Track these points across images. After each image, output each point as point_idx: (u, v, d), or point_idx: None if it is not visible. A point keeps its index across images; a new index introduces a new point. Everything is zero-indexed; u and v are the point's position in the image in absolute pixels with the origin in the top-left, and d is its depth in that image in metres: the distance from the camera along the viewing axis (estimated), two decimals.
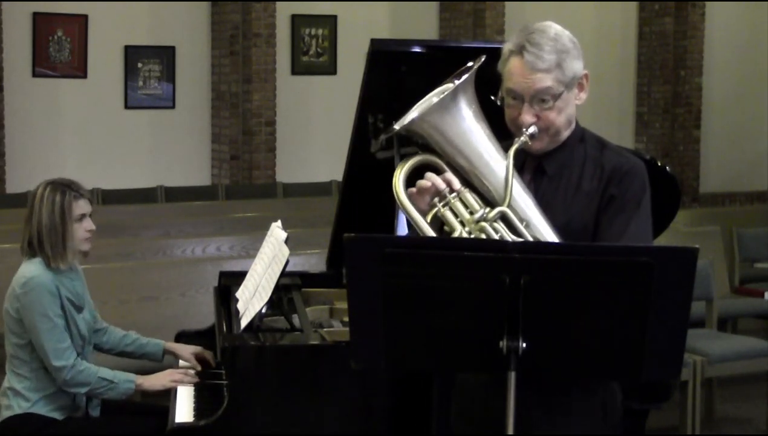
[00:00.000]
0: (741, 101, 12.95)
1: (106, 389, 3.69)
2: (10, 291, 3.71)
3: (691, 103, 12.51)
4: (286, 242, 3.60)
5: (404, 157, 2.65)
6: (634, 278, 2.26)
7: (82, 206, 3.74)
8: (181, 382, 3.66)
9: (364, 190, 3.83)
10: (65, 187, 3.73)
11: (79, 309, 3.79)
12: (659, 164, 3.93)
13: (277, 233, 3.74)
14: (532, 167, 2.69)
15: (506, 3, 11.36)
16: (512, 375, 2.34)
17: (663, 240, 3.95)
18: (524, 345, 2.32)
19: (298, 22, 10.97)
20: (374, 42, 3.55)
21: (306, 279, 4.13)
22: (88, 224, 3.77)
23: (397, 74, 3.58)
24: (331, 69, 11.15)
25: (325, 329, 3.54)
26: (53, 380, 3.69)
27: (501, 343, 2.32)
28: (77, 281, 3.83)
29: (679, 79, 12.47)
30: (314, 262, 5.36)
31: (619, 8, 12.55)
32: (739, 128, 13.00)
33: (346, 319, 3.18)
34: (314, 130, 11.00)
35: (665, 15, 12.39)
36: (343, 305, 3.79)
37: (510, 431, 2.37)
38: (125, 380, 3.71)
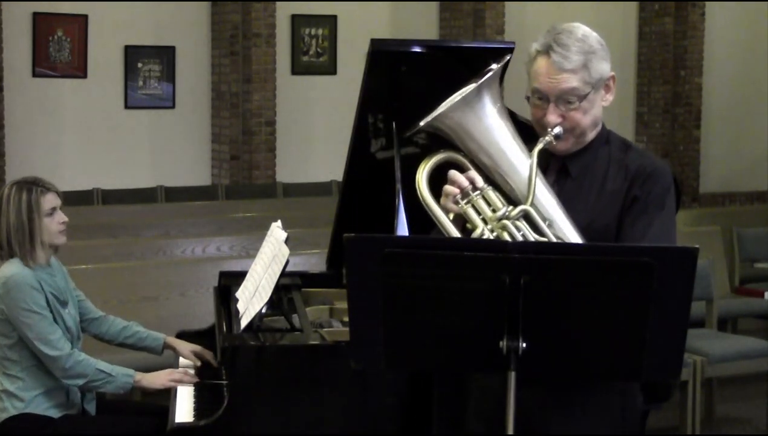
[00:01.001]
0: (741, 101, 12.95)
1: (103, 382, 3.68)
2: None
3: (691, 103, 12.51)
4: (286, 242, 3.60)
5: (430, 153, 2.64)
6: (634, 278, 2.26)
7: (50, 200, 3.74)
8: (181, 382, 3.65)
9: (364, 190, 3.83)
10: (31, 185, 3.74)
11: (64, 304, 3.79)
12: None
13: (277, 233, 3.74)
14: (556, 168, 2.69)
15: (506, 3, 11.36)
16: (512, 375, 2.35)
17: None
18: (524, 345, 2.32)
19: (298, 22, 10.97)
20: (374, 42, 3.55)
21: (306, 279, 4.13)
22: (60, 217, 3.76)
23: (397, 74, 3.58)
24: (331, 69, 11.14)
25: (325, 329, 3.54)
26: (46, 376, 3.69)
27: (501, 343, 2.32)
28: (58, 276, 3.82)
29: (679, 79, 12.47)
30: (314, 262, 5.36)
31: (619, 8, 12.56)
32: (739, 128, 13.00)
33: (346, 319, 3.18)
34: (314, 130, 11.00)
35: (665, 15, 12.39)
36: (343, 305, 3.79)
37: (510, 431, 2.37)
38: (123, 374, 3.70)
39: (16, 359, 3.70)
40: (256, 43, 10.26)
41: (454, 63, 3.41)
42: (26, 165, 9.62)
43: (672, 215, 2.67)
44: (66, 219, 3.78)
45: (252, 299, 3.57)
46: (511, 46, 3.26)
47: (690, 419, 5.36)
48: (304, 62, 11.06)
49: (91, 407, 3.83)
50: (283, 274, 3.51)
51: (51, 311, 3.69)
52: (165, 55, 10.45)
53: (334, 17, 11.12)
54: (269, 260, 3.63)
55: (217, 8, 10.56)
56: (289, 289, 3.90)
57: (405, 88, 3.55)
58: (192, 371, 3.78)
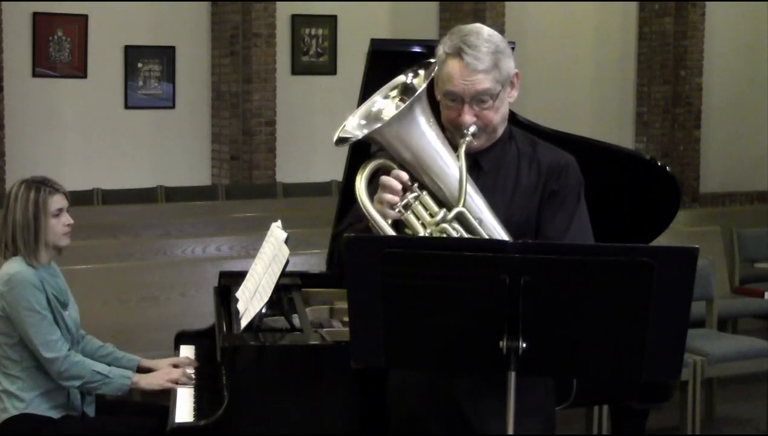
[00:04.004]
0: (741, 101, 12.95)
1: (100, 383, 3.68)
2: None
3: (691, 103, 12.51)
4: (286, 242, 3.60)
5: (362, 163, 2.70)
6: (634, 278, 2.27)
7: (58, 201, 3.74)
8: (178, 382, 3.65)
9: None
10: (39, 184, 3.74)
11: (65, 305, 3.78)
12: (659, 164, 3.92)
13: (277, 233, 3.74)
14: (468, 164, 2.73)
15: (506, 3, 11.36)
16: (512, 375, 2.35)
17: (663, 240, 3.95)
18: (524, 345, 2.32)
19: (298, 22, 10.97)
20: (374, 42, 3.55)
21: (306, 279, 4.13)
22: (66, 219, 3.76)
23: (397, 74, 3.58)
24: (331, 69, 11.15)
25: (325, 329, 3.54)
26: (46, 377, 3.69)
27: (501, 343, 2.33)
28: (59, 278, 3.83)
29: (679, 79, 12.47)
30: (314, 262, 5.36)
31: (619, 8, 12.55)
32: (739, 128, 13.00)
33: (346, 319, 3.18)
34: (314, 130, 11.00)
35: (665, 15, 12.39)
36: (343, 305, 3.79)
37: (510, 431, 2.37)
38: (121, 376, 3.70)
39: (16, 358, 3.69)
40: (256, 43, 10.26)
41: None
42: (26, 165, 9.61)
43: (585, 206, 2.79)
44: (71, 221, 3.78)
45: (252, 299, 3.57)
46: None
47: (690, 419, 5.36)
48: (304, 62, 11.06)
49: (90, 410, 3.82)
50: (283, 274, 3.50)
51: (52, 312, 3.69)
52: (165, 55, 10.45)
53: (334, 17, 11.12)
54: (269, 260, 3.63)
55: (217, 8, 10.56)
56: (289, 289, 3.90)
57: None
58: (191, 370, 3.77)
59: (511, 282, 2.28)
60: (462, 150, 2.63)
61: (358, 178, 2.65)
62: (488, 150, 2.78)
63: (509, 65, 2.72)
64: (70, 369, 3.63)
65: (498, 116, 2.73)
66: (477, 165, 2.76)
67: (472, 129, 2.68)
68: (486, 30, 2.73)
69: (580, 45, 12.17)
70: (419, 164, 2.65)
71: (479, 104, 2.69)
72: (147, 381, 3.72)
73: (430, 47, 3.59)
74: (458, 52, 2.67)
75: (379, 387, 2.97)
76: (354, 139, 2.65)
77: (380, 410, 3.00)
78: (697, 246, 2.28)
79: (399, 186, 2.61)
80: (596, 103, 12.39)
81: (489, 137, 2.75)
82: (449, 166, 2.64)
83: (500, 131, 2.78)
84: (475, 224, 2.60)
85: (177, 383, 3.64)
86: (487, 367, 2.43)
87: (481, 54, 2.66)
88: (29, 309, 3.62)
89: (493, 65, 2.67)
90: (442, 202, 2.63)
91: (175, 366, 3.83)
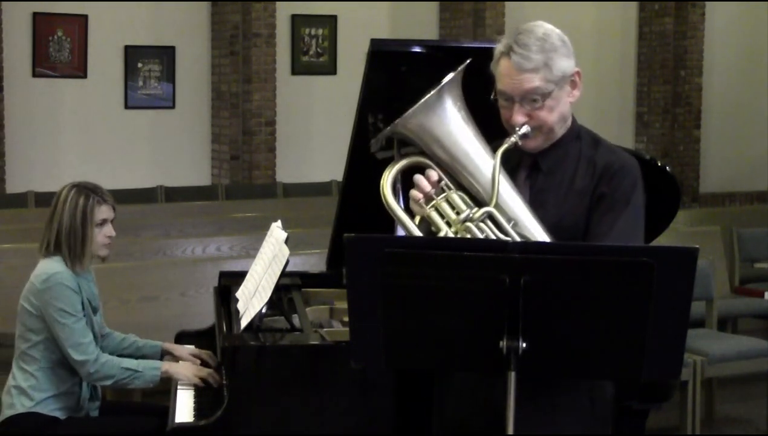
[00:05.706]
0: (741, 101, 12.95)
1: (131, 379, 3.68)
2: (29, 287, 3.72)
3: (691, 103, 12.51)
4: (286, 242, 3.60)
5: (391, 161, 2.68)
6: (634, 278, 2.26)
7: (104, 212, 3.75)
8: (206, 381, 3.63)
9: (364, 190, 3.82)
10: (90, 191, 3.75)
11: (95, 311, 3.81)
12: (659, 164, 3.92)
13: (277, 233, 3.74)
14: (528, 164, 2.72)
15: (506, 3, 11.36)
16: (512, 375, 2.35)
17: (663, 240, 3.95)
18: (524, 345, 2.32)
19: (298, 22, 10.97)
20: (374, 42, 3.55)
21: (306, 279, 4.13)
22: (109, 230, 3.78)
23: (397, 74, 3.58)
24: (331, 69, 11.15)
25: (325, 329, 3.54)
26: (60, 380, 3.70)
27: (501, 343, 2.32)
28: (93, 283, 3.85)
29: (679, 79, 12.47)
30: (314, 262, 5.36)
31: (619, 8, 12.56)
32: (739, 128, 13.00)
33: (346, 319, 3.18)
34: (314, 130, 11.00)
35: (665, 15, 12.40)
36: (343, 305, 3.79)
37: (510, 431, 2.37)
38: (151, 368, 3.70)
39: (37, 357, 3.71)
40: (256, 43, 10.26)
41: (454, 63, 3.41)
42: (26, 165, 9.64)
43: (638, 211, 2.67)
44: (113, 234, 3.80)
45: (252, 299, 3.57)
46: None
47: (690, 419, 5.36)
48: (304, 62, 11.07)
49: (95, 414, 3.83)
50: (283, 274, 3.51)
51: (85, 314, 3.70)
52: (165, 55, 10.46)
53: (334, 17, 11.12)
54: (269, 260, 3.64)
55: (217, 8, 10.56)
56: (289, 289, 3.90)
57: (405, 88, 3.54)
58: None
59: (511, 282, 2.28)
60: (501, 149, 2.59)
61: (385, 173, 2.63)
62: (548, 151, 2.70)
63: (564, 64, 2.65)
64: (100, 370, 3.65)
65: (553, 116, 2.65)
66: (536, 166, 2.70)
67: (524, 129, 2.62)
68: (542, 28, 2.66)
69: (580, 45, 12.12)
70: (454, 162, 2.62)
71: (531, 104, 2.63)
72: (176, 370, 3.71)
73: (430, 47, 3.60)
74: (508, 51, 2.63)
75: (384, 389, 2.97)
76: (385, 133, 2.63)
77: (387, 411, 3.00)
78: (697, 246, 2.27)
79: (427, 185, 2.59)
80: (596, 103, 12.39)
81: (546, 138, 2.68)
82: (486, 164, 2.60)
83: (559, 132, 2.70)
84: (506, 224, 2.55)
85: (203, 383, 3.63)
86: (487, 367, 2.42)
87: (531, 53, 2.60)
88: (64, 311, 3.64)
89: (543, 64, 2.61)
90: (480, 203, 2.59)
91: (193, 355, 3.84)
